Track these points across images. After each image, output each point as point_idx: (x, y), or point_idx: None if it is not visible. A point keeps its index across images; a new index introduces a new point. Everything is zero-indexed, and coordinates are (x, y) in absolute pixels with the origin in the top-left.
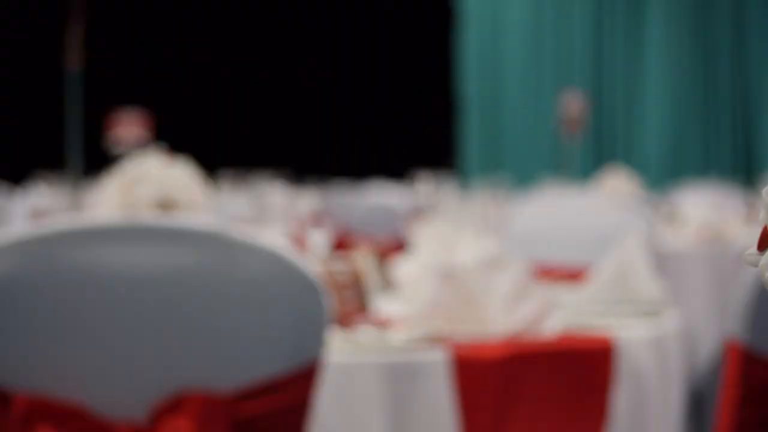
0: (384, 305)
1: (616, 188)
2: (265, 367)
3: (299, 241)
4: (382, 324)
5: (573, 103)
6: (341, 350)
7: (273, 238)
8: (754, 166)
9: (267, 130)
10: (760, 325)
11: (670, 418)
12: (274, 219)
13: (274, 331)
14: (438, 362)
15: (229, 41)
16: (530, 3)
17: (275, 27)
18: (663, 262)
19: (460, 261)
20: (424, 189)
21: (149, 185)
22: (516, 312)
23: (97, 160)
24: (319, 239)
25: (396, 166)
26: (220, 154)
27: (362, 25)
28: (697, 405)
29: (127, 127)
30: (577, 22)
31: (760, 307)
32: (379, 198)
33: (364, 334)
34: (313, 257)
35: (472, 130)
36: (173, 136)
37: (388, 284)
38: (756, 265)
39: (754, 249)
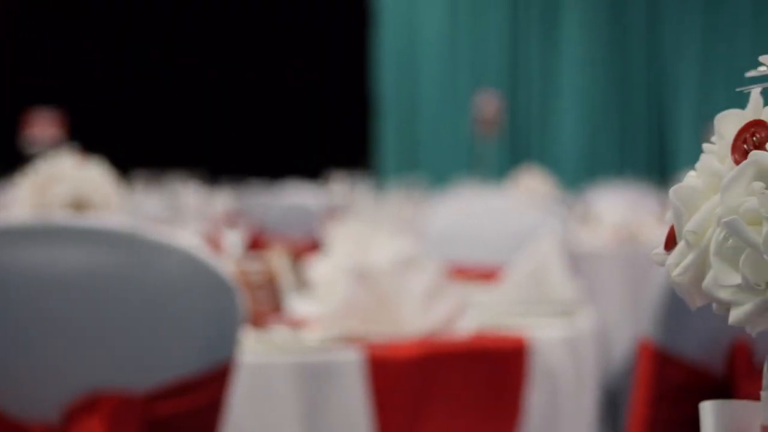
0: (298, 305)
1: (532, 188)
2: (179, 367)
3: (214, 242)
4: (297, 324)
5: (488, 104)
6: (255, 350)
7: (187, 238)
8: (668, 166)
9: (181, 130)
10: (673, 324)
11: (584, 417)
12: (188, 219)
13: (188, 331)
14: (352, 362)
15: (144, 40)
16: (446, 4)
17: (189, 26)
18: (577, 262)
19: (374, 261)
20: (339, 189)
21: (63, 185)
22: (430, 312)
23: (11, 160)
24: (234, 239)
25: (311, 166)
26: (134, 154)
27: (278, 24)
28: (612, 404)
29: (41, 126)
30: (492, 23)
31: (672, 307)
32: (294, 198)
33: (278, 334)
34: (228, 257)
35: (388, 130)
36: (87, 136)
37: (302, 284)
38: (663, 265)
39: (661, 248)
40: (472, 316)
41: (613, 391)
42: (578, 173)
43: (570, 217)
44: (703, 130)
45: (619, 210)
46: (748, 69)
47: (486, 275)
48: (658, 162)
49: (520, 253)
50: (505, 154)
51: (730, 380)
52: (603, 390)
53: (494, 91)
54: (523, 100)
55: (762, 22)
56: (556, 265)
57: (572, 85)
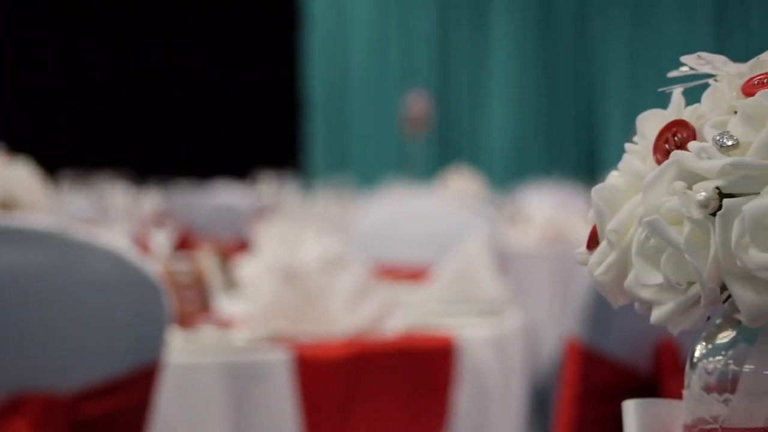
0: (227, 305)
1: (461, 188)
2: (105, 367)
3: (141, 242)
4: (225, 324)
5: (417, 103)
6: (183, 350)
7: (114, 238)
8: (597, 166)
9: (109, 129)
10: (599, 324)
11: (513, 416)
12: (115, 219)
13: (115, 331)
14: (280, 362)
15: (68, 38)
16: (375, 3)
17: (116, 24)
18: (506, 262)
19: (302, 261)
20: (267, 189)
21: None
22: (358, 312)
23: None
24: (162, 239)
25: (240, 166)
26: (61, 153)
27: (206, 23)
28: (541, 403)
29: None
30: (421, 23)
31: (598, 306)
32: (222, 198)
33: (206, 334)
34: (155, 257)
35: (317, 129)
36: (13, 136)
37: (230, 284)
38: (586, 264)
39: (584, 248)
40: (400, 315)
41: (542, 390)
42: (507, 173)
43: (499, 217)
44: (631, 130)
45: (548, 210)
46: (676, 69)
47: (414, 275)
48: (586, 162)
49: (448, 253)
50: (434, 153)
51: (656, 379)
52: (532, 389)
53: (423, 91)
54: (453, 99)
55: (689, 23)
56: (484, 264)
57: (501, 85)
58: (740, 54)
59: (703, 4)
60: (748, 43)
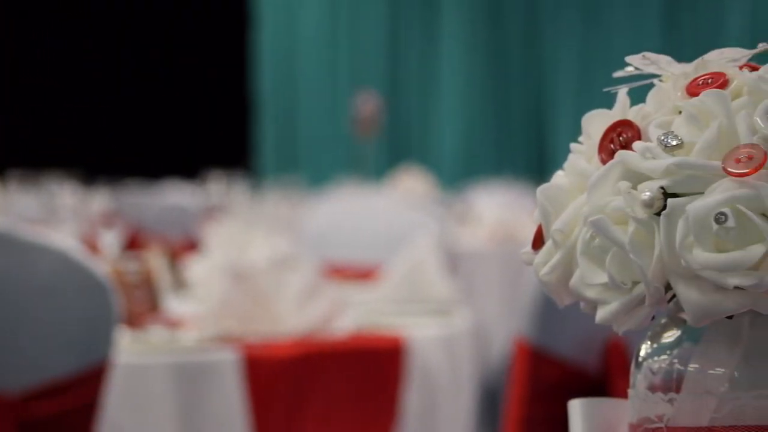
0: (176, 305)
1: (411, 188)
2: (54, 367)
3: (90, 242)
4: (174, 324)
5: (367, 104)
6: (132, 350)
7: (62, 238)
8: (546, 166)
9: (57, 129)
10: (547, 323)
11: (462, 415)
12: (64, 219)
13: (63, 331)
14: (229, 362)
15: (16, 37)
16: (325, 4)
17: (63, 22)
18: (456, 262)
19: (251, 261)
20: (216, 189)
21: None
22: (307, 311)
23: None
24: (111, 240)
25: (189, 166)
26: (8, 153)
27: (156, 22)
28: (491, 402)
29: None
30: (372, 23)
31: (546, 305)
32: (171, 198)
33: (155, 334)
34: (104, 258)
35: (268, 129)
36: None
37: (180, 284)
38: (531, 264)
39: (529, 248)
40: (350, 315)
41: (491, 389)
42: (457, 173)
43: (448, 217)
44: (581, 131)
45: (497, 209)
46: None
47: (363, 275)
48: (536, 162)
49: (398, 253)
50: (385, 154)
51: (604, 378)
52: (481, 388)
53: (373, 91)
54: (403, 100)
55: (638, 24)
56: (433, 264)
57: (451, 85)
58: (690, 54)
59: (652, 5)
60: (697, 43)
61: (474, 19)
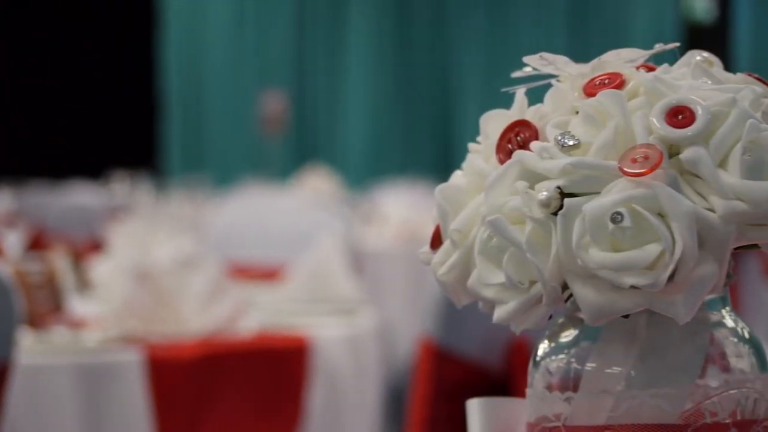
0: (79, 306)
1: (317, 187)
2: None
3: None
4: (77, 325)
5: (274, 103)
6: (34, 351)
7: None
8: (453, 165)
9: None
10: (451, 323)
11: (367, 414)
12: None
13: None
14: (132, 363)
15: None
16: (232, 2)
17: None
18: (361, 261)
19: (155, 261)
20: (120, 189)
21: None
22: (211, 312)
23: None
24: (13, 240)
25: (94, 166)
26: None
27: (60, 20)
28: (397, 402)
29: None
30: (278, 22)
31: (450, 305)
32: (76, 198)
33: (57, 334)
34: (6, 258)
35: (173, 128)
36: None
37: (83, 284)
38: (429, 264)
39: (427, 248)
40: (254, 315)
41: (397, 389)
42: (364, 172)
43: (355, 216)
44: None
45: (404, 209)
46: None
47: (268, 275)
48: (443, 161)
49: (303, 253)
50: (291, 153)
51: (508, 378)
52: (387, 388)
53: (280, 91)
54: (309, 99)
55: (544, 25)
56: (338, 264)
57: (358, 85)
58: (596, 53)
59: (558, 4)
60: (603, 42)
61: (381, 18)
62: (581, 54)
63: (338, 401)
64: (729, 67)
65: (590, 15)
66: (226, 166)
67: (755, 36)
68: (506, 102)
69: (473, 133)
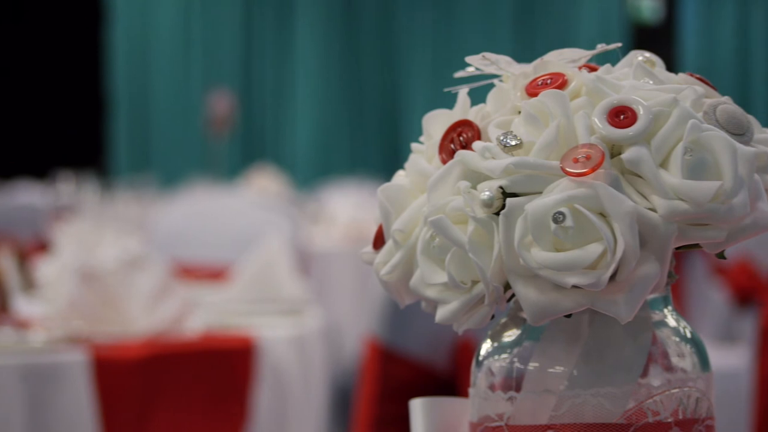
0: (25, 306)
1: (264, 187)
2: None
3: None
4: (22, 325)
5: (221, 102)
6: None
7: None
8: (400, 165)
9: None
10: (397, 323)
11: (314, 414)
12: None
13: None
14: (77, 363)
15: None
16: (180, 1)
17: None
18: (309, 261)
19: (100, 261)
20: (66, 189)
21: None
22: (157, 312)
23: None
24: None
25: (40, 165)
26: None
27: (5, 16)
28: (343, 401)
29: None
30: (226, 22)
31: (396, 305)
32: (21, 198)
33: (2, 335)
34: None
35: (120, 128)
36: None
37: (29, 284)
38: (371, 263)
39: (370, 248)
40: (200, 315)
41: (344, 388)
42: (312, 172)
43: (302, 216)
44: None
45: (351, 209)
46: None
47: (214, 275)
48: (390, 161)
49: (249, 253)
50: (238, 153)
51: (455, 377)
52: (334, 388)
53: (227, 90)
54: (257, 99)
55: (491, 24)
56: (284, 264)
57: (306, 85)
58: (542, 55)
59: (505, 5)
60: (549, 43)
61: (328, 18)
62: (528, 54)
63: (285, 401)
64: (676, 67)
65: (537, 15)
66: (173, 165)
67: (702, 36)
68: (454, 102)
69: (420, 133)
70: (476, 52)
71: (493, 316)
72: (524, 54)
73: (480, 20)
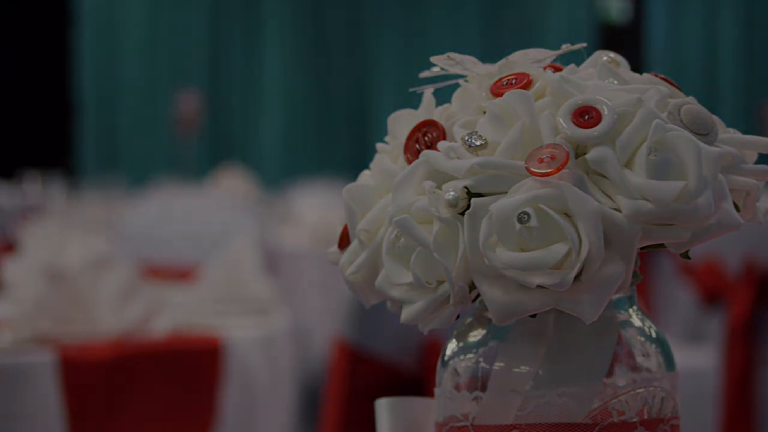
0: None
1: (232, 187)
2: None
3: None
4: None
5: (189, 103)
6: None
7: None
8: (368, 166)
9: None
10: (365, 324)
11: (281, 414)
12: None
13: None
14: (44, 364)
15: None
16: (147, 2)
17: None
18: (276, 261)
19: (67, 261)
20: (32, 189)
21: None
22: (124, 312)
23: None
24: None
25: (6, 165)
26: None
27: None
28: (311, 402)
29: None
30: (193, 22)
31: (363, 306)
32: None
33: None
34: None
35: (87, 128)
36: None
37: None
38: (337, 264)
39: (335, 247)
40: (167, 316)
41: (312, 389)
42: (279, 172)
43: (270, 216)
44: None
45: (319, 209)
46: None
47: (182, 275)
48: (358, 161)
49: (216, 253)
50: (206, 153)
51: (422, 377)
52: (302, 388)
53: (195, 90)
54: (225, 98)
55: (459, 26)
56: (252, 264)
57: (273, 84)
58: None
59: (473, 7)
60: (517, 44)
61: (296, 17)
62: (497, 53)
63: (252, 401)
64: (644, 67)
65: (505, 15)
66: (141, 165)
67: (670, 36)
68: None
69: (387, 133)
70: (444, 51)
71: (458, 316)
72: (493, 52)
73: (449, 19)
